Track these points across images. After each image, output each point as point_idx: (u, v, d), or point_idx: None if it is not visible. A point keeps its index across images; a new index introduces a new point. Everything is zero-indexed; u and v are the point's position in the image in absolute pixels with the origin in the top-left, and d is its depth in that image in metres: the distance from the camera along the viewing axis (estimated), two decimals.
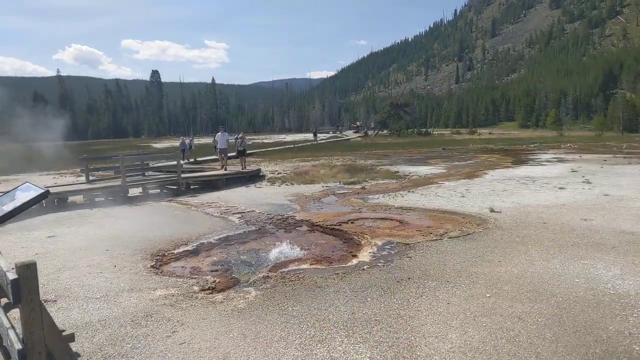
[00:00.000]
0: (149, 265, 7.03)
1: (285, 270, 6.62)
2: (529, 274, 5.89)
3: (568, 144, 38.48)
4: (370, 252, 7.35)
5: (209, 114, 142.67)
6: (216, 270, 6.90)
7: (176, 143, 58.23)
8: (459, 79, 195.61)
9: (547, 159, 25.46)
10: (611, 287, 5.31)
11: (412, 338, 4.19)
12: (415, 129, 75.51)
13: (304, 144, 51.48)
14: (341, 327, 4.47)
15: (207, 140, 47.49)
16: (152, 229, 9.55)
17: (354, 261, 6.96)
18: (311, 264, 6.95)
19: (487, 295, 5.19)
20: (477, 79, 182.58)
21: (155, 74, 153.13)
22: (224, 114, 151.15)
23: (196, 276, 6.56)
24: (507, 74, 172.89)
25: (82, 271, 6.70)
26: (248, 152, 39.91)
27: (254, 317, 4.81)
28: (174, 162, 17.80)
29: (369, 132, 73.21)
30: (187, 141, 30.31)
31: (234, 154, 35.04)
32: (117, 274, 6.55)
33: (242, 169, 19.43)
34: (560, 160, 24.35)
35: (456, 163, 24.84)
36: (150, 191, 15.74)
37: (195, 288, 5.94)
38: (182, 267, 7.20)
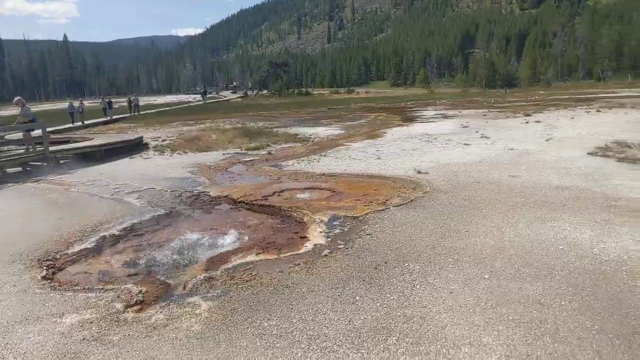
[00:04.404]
0: (39, 277, 5.23)
1: (230, 266, 5.34)
2: (508, 244, 5.40)
3: (443, 101, 40.86)
4: (321, 232, 6.34)
5: (62, 76, 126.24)
6: (135, 274, 5.37)
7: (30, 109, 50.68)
8: (331, 39, 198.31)
9: (432, 116, 26.45)
10: (598, 252, 5.01)
11: (445, 351, 3.33)
12: (296, 89, 74.86)
13: (178, 107, 47.95)
14: (348, 347, 3.46)
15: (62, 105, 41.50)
16: (28, 222, 7.43)
17: (308, 245, 5.90)
18: (257, 254, 5.74)
19: (485, 276, 4.55)
20: (348, 39, 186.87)
21: None
22: (80, 75, 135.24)
23: (111, 286, 5.00)
24: (376, 33, 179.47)
25: None
26: (142, 112, 36.05)
27: (225, 346, 3.57)
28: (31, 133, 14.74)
29: (249, 93, 70.84)
30: (77, 104, 28.60)
31: (104, 119, 31.28)
32: None
33: None
34: (445, 117, 25.42)
35: (349, 123, 24.58)
36: (9, 170, 12.79)
37: (118, 305, 4.44)
38: (86, 273, 5.52)
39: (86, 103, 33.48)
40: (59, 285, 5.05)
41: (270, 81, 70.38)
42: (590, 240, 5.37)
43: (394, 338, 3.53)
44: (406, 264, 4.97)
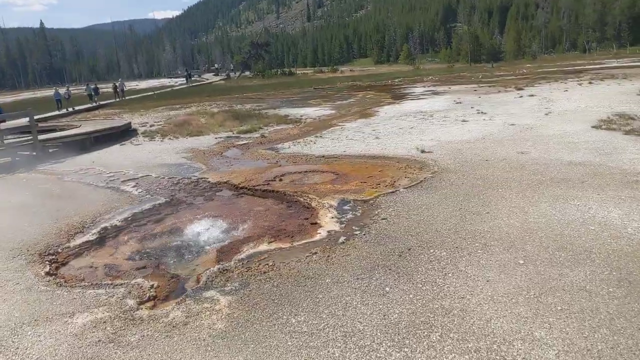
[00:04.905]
0: (42, 273, 4.89)
1: (243, 256, 5.04)
2: (534, 226, 5.16)
3: (430, 77, 40.42)
4: (332, 218, 6.05)
5: (42, 63, 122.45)
6: (143, 268, 5.06)
7: (8, 99, 49.47)
8: (310, 17, 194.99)
9: (422, 93, 26.09)
10: (632, 232, 4.80)
11: (495, 347, 3.08)
12: (279, 70, 73.62)
13: (162, 91, 46.79)
14: (389, 345, 3.19)
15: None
16: (24, 214, 7.03)
17: (322, 232, 5.61)
18: (269, 243, 5.44)
19: (520, 262, 4.31)
20: (328, 16, 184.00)
21: None
22: (59, 62, 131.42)
23: (120, 280, 4.69)
24: (356, 10, 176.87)
25: None
26: (127, 97, 35.07)
27: (253, 346, 3.28)
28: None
29: (232, 75, 69.52)
30: (62, 91, 28.29)
31: (90, 105, 30.36)
32: (1, 295, 4.37)
33: None
34: (435, 93, 25.09)
35: (339, 102, 24.14)
36: None
37: (131, 302, 4.13)
38: (91, 267, 5.20)
39: (71, 89, 32.50)
40: (65, 282, 4.72)
41: (252, 62, 69.05)
42: (620, 220, 5.16)
43: (436, 334, 3.28)
44: (432, 251, 4.71)
